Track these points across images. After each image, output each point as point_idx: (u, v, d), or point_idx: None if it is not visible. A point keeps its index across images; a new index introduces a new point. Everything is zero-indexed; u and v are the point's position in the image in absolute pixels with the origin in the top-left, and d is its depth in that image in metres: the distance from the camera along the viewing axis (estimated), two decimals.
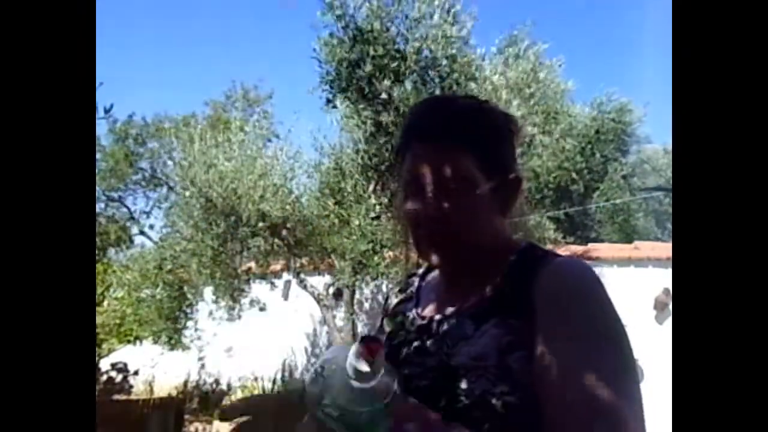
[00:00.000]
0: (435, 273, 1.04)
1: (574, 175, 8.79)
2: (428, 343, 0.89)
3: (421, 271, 1.09)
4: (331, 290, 6.86)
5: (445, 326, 0.88)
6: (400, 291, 1.10)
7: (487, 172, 0.88)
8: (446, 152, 0.88)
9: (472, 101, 1.00)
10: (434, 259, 0.93)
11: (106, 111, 4.01)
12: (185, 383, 9.97)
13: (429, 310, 0.96)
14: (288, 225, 6.19)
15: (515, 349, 0.79)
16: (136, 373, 8.97)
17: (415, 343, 0.91)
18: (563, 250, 7.34)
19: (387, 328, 1.01)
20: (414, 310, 0.99)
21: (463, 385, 0.79)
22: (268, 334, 9.45)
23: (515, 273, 0.87)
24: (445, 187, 0.87)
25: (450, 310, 0.91)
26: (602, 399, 0.73)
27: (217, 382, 10.02)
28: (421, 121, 0.94)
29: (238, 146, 6.32)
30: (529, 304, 0.81)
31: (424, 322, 0.94)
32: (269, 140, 7.02)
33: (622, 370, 0.77)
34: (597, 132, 10.90)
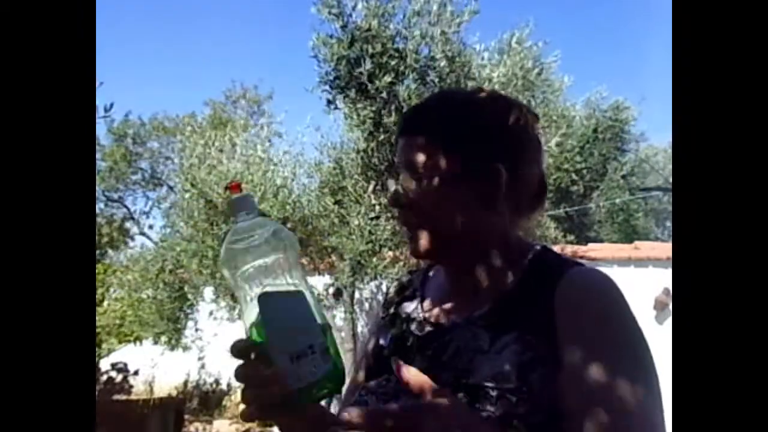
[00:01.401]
0: (437, 270, 1.00)
1: (573, 175, 8.80)
2: (442, 356, 0.84)
3: (423, 267, 1.05)
4: (331, 290, 6.86)
5: (458, 336, 0.85)
6: (401, 288, 1.05)
7: (457, 163, 0.86)
8: (415, 143, 0.89)
9: (464, 94, 1.01)
10: (414, 250, 0.92)
11: (106, 110, 4.01)
12: (185, 383, 9.97)
13: (435, 314, 0.93)
14: (288, 225, 6.19)
15: (537, 368, 0.76)
16: (136, 373, 8.98)
17: (428, 352, 0.87)
18: (561, 248, 7.34)
19: (393, 331, 0.96)
20: (419, 312, 0.96)
21: (482, 406, 0.76)
22: None
23: (531, 280, 0.84)
24: (412, 176, 0.88)
25: (461, 316, 0.88)
26: (630, 424, 0.71)
27: (217, 382, 10.02)
28: (402, 116, 0.98)
29: (239, 147, 6.32)
30: (550, 317, 0.79)
31: (432, 329, 0.90)
32: (269, 140, 7.02)
33: (650, 392, 0.75)
34: (595, 131, 10.90)
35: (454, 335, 0.85)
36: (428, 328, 0.91)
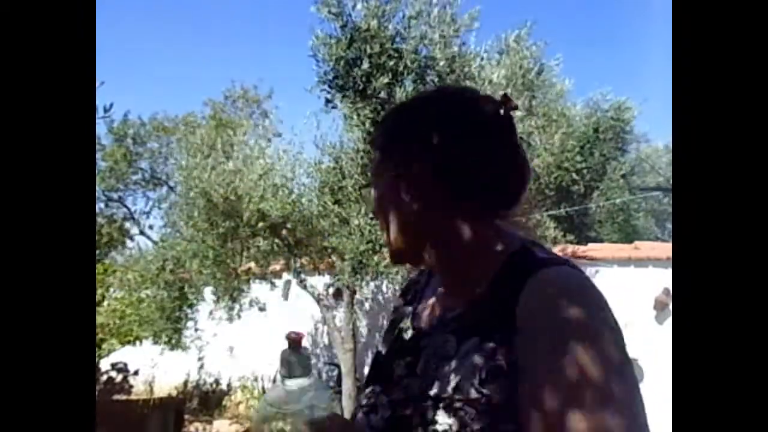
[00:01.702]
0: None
1: (574, 175, 8.78)
2: (417, 363, 0.83)
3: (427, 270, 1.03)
4: (331, 290, 6.85)
5: (432, 342, 0.83)
6: (406, 291, 1.03)
7: (390, 169, 0.87)
8: (371, 155, 1.00)
9: (414, 100, 1.02)
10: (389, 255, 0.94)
11: (106, 110, 4.00)
12: (185, 383, 9.97)
13: (422, 318, 0.92)
14: (288, 225, 6.19)
15: (497, 378, 0.71)
16: (136, 373, 8.98)
17: (408, 359, 0.86)
18: (561, 248, 7.34)
19: (391, 337, 0.96)
20: (410, 315, 0.94)
21: (441, 419, 0.73)
22: (268, 334, 9.44)
23: (502, 282, 0.78)
24: (372, 186, 0.93)
25: (436, 320, 0.86)
26: None
27: (217, 382, 10.02)
28: None
29: (238, 146, 6.32)
30: (513, 322, 0.72)
31: (414, 333, 0.89)
32: (269, 140, 7.02)
33: (621, 408, 0.65)
34: (596, 131, 10.90)
35: (430, 340, 0.83)
36: (412, 333, 0.89)
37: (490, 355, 0.73)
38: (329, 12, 5.16)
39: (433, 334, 0.84)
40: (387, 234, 0.89)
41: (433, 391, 0.76)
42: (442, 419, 0.73)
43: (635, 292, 6.44)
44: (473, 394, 0.72)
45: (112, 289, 9.12)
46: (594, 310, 0.71)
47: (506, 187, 0.85)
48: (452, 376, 0.75)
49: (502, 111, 0.85)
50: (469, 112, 0.86)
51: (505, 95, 0.87)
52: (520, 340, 0.71)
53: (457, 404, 0.72)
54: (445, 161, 0.83)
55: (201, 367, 9.95)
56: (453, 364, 0.76)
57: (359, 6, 5.14)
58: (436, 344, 0.81)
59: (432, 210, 0.83)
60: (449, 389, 0.74)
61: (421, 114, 0.88)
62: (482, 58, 5.48)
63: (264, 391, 8.97)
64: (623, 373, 0.67)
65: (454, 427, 0.71)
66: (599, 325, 0.70)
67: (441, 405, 0.74)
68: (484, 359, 0.73)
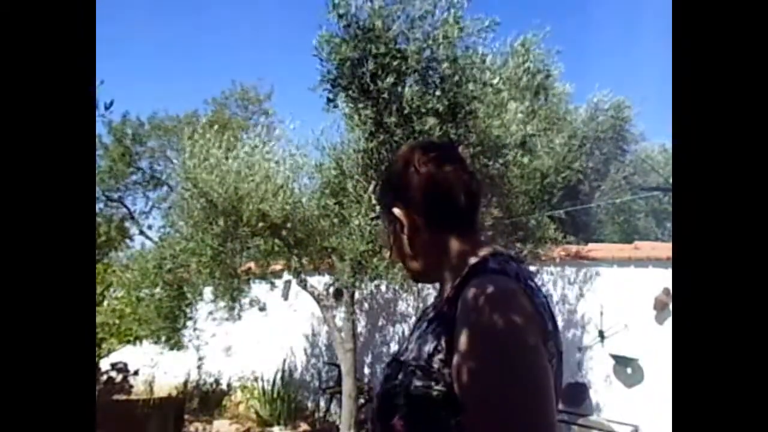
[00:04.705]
0: None
1: (580, 176, 8.74)
2: (410, 340, 1.11)
3: None
4: (331, 290, 6.85)
5: (421, 325, 1.11)
6: (439, 293, 1.24)
7: (388, 213, 1.18)
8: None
9: (391, 161, 1.29)
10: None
11: (106, 107, 3.99)
12: (185, 383, 9.97)
13: (428, 309, 1.18)
14: (288, 225, 6.18)
15: (438, 353, 0.98)
16: (136, 373, 8.98)
17: (410, 335, 1.13)
18: (562, 250, 7.33)
19: None
20: (427, 308, 1.20)
21: (400, 376, 1.02)
22: (268, 334, 9.44)
23: (459, 286, 1.03)
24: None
25: (430, 311, 1.14)
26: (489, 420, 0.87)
27: (217, 382, 10.02)
28: None
29: (239, 146, 6.31)
30: (454, 315, 0.98)
31: (421, 319, 1.15)
32: (269, 140, 7.01)
33: (513, 392, 0.87)
34: (596, 131, 10.90)
35: (421, 324, 1.12)
36: (421, 319, 1.16)
37: (438, 336, 1.01)
38: (338, 14, 5.14)
39: (424, 319, 1.12)
40: (402, 261, 1.20)
41: (403, 357, 1.06)
42: (400, 376, 1.02)
43: (635, 292, 6.44)
44: (422, 362, 1.00)
45: (112, 289, 9.11)
46: (493, 310, 0.93)
47: (463, 208, 1.13)
48: (416, 348, 1.04)
49: (453, 154, 1.16)
50: (425, 162, 1.14)
51: (456, 143, 1.23)
52: (456, 330, 0.96)
53: (411, 367, 1.01)
54: (414, 201, 1.13)
55: (201, 367, 9.95)
56: (419, 340, 1.05)
57: (364, 6, 5.13)
58: (421, 327, 1.10)
59: (417, 237, 1.14)
60: (411, 356, 1.03)
61: (395, 170, 1.20)
62: (484, 61, 5.47)
63: (264, 392, 8.97)
64: (505, 357, 0.90)
65: (405, 383, 1.00)
66: (492, 321, 0.92)
67: (403, 366, 1.03)
68: (434, 338, 1.01)
